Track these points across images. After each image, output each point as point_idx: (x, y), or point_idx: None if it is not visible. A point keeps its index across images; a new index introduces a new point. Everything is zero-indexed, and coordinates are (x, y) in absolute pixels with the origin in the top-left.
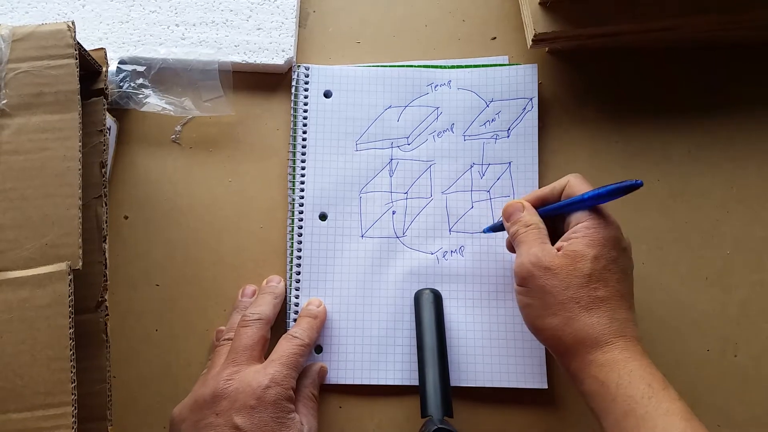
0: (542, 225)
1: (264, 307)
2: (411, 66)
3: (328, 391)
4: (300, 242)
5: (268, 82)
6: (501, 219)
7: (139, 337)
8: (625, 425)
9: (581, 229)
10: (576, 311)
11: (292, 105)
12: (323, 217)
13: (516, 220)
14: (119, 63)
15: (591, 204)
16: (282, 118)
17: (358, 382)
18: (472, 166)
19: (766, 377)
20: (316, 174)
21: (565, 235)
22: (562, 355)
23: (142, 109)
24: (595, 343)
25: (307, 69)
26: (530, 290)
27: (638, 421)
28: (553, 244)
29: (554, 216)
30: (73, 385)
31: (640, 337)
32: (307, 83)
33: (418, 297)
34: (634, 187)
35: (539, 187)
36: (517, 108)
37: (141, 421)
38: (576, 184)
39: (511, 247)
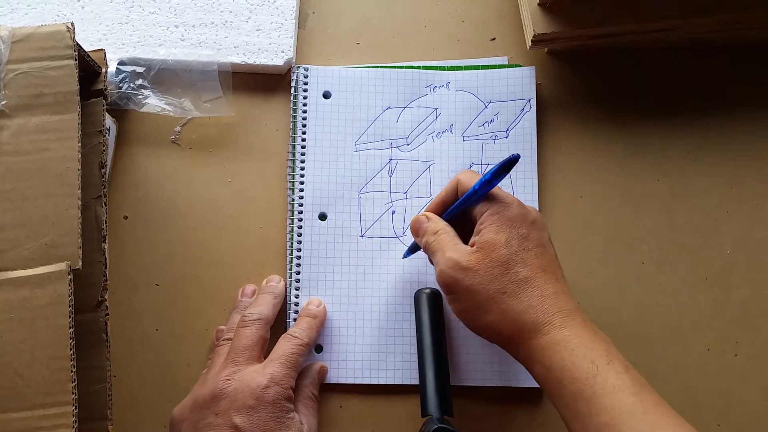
0: (449, 228)
1: (263, 307)
2: (410, 67)
3: (329, 390)
4: (300, 242)
5: (268, 83)
6: (412, 243)
7: (139, 336)
8: (576, 409)
9: (485, 218)
10: (506, 301)
11: (291, 106)
12: (323, 217)
13: (423, 232)
14: (119, 64)
15: (484, 191)
16: (281, 118)
17: (358, 381)
18: (471, 166)
19: (766, 377)
20: (316, 174)
21: (475, 229)
22: (508, 348)
23: (141, 110)
24: (533, 328)
25: (306, 70)
26: (458, 295)
27: (587, 402)
28: (467, 243)
29: (459, 217)
30: (74, 384)
31: (577, 307)
32: (306, 84)
33: (418, 297)
34: (513, 161)
35: (538, 187)
36: (515, 109)
37: (141, 420)
38: (466, 179)
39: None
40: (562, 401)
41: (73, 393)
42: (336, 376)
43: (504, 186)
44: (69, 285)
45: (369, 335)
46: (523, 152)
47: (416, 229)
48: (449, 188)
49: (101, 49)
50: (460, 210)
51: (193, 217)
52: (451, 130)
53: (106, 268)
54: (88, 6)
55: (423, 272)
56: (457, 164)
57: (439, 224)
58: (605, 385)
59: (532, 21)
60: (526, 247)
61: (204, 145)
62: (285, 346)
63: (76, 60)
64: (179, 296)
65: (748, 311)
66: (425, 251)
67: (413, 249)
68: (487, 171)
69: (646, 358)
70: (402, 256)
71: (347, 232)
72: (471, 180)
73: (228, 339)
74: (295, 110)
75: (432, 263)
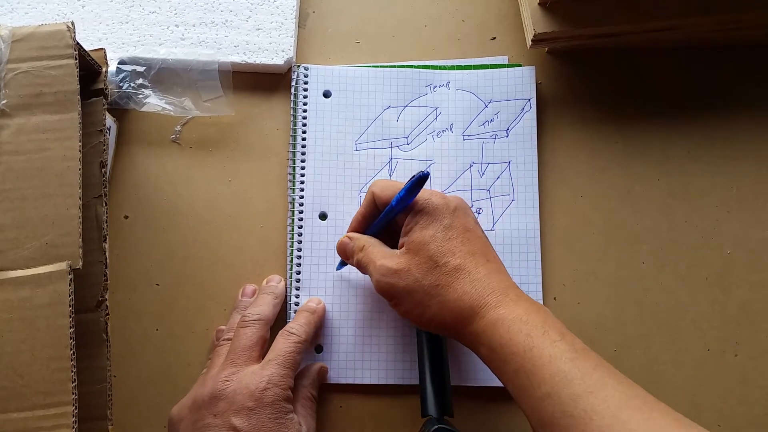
0: (374, 240)
1: (264, 307)
2: (410, 67)
3: (328, 390)
4: (300, 242)
5: (268, 83)
6: (340, 261)
7: (139, 336)
8: (519, 383)
9: (409, 219)
10: (442, 293)
11: (291, 105)
12: (323, 216)
13: (351, 252)
14: (119, 63)
15: (402, 207)
16: (282, 118)
17: (358, 381)
18: (471, 166)
19: (766, 377)
20: (316, 174)
21: (401, 232)
22: (455, 336)
23: (141, 109)
24: (471, 313)
25: (306, 69)
26: (399, 299)
27: (528, 376)
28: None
29: (386, 229)
30: (74, 384)
31: (510, 284)
32: (306, 83)
33: None
34: (423, 178)
35: (538, 187)
36: (515, 108)
37: (141, 420)
38: (381, 192)
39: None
40: (507, 378)
41: (73, 393)
42: (336, 377)
43: (504, 186)
44: (69, 285)
45: (369, 335)
46: (523, 152)
47: (343, 252)
48: (366, 202)
49: (101, 49)
50: (382, 225)
51: (193, 217)
52: (451, 130)
53: (106, 267)
54: (89, 5)
55: None
56: (457, 163)
57: (362, 239)
58: (542, 356)
59: (532, 20)
60: (451, 237)
61: (204, 145)
62: (283, 344)
63: (76, 59)
64: (179, 296)
65: (748, 311)
66: (359, 269)
67: (344, 262)
68: (400, 185)
69: (646, 358)
70: (336, 269)
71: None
72: (385, 190)
73: (228, 339)
74: (295, 110)
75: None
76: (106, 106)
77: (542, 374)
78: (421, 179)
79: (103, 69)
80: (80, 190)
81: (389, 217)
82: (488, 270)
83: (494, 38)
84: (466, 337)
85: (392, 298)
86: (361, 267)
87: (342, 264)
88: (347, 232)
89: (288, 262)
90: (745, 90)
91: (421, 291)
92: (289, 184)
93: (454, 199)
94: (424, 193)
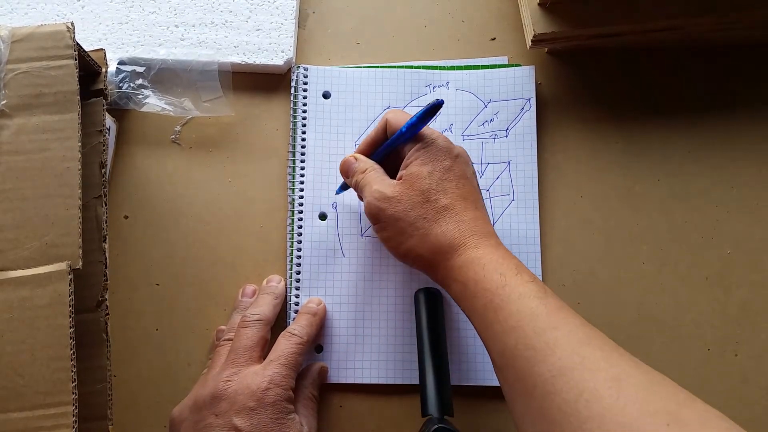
0: (377, 166)
1: (264, 307)
2: (410, 67)
3: (329, 390)
4: (300, 242)
5: (268, 83)
6: (341, 183)
7: (139, 336)
8: (486, 317)
9: (412, 153)
10: (426, 226)
11: (291, 105)
12: (323, 216)
13: (353, 172)
14: (119, 64)
15: (411, 134)
16: (281, 118)
17: (358, 381)
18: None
19: (766, 377)
20: (316, 174)
21: (402, 164)
22: (428, 271)
23: (141, 110)
24: (450, 249)
25: (306, 70)
26: (384, 224)
27: (496, 310)
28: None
29: (390, 156)
30: (74, 384)
31: (492, 231)
32: (306, 84)
33: (418, 296)
34: (437, 106)
35: (538, 187)
36: (515, 108)
37: (141, 420)
38: (394, 119)
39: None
40: (475, 313)
41: (73, 393)
42: (336, 376)
43: (504, 186)
44: (69, 285)
45: (369, 335)
46: (523, 152)
47: (345, 170)
48: (378, 128)
49: (101, 49)
50: (389, 150)
51: (193, 217)
52: (450, 130)
53: (106, 267)
54: (88, 6)
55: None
56: None
57: (368, 163)
58: (512, 293)
59: (532, 21)
60: (448, 178)
61: (204, 145)
62: (284, 345)
63: (76, 60)
64: (179, 296)
65: (748, 311)
66: (355, 189)
67: (344, 187)
68: (414, 114)
69: (646, 358)
70: (335, 192)
71: (347, 231)
72: (399, 120)
73: (228, 339)
74: (295, 110)
75: (361, 200)
76: (105, 107)
77: (510, 309)
78: (435, 107)
79: (103, 69)
80: (80, 191)
81: (397, 143)
82: (475, 215)
83: (494, 38)
84: (439, 272)
85: (377, 221)
86: (359, 188)
87: (342, 188)
88: (354, 152)
89: (288, 262)
90: (745, 90)
91: (407, 220)
92: (289, 185)
93: (458, 148)
94: (433, 133)
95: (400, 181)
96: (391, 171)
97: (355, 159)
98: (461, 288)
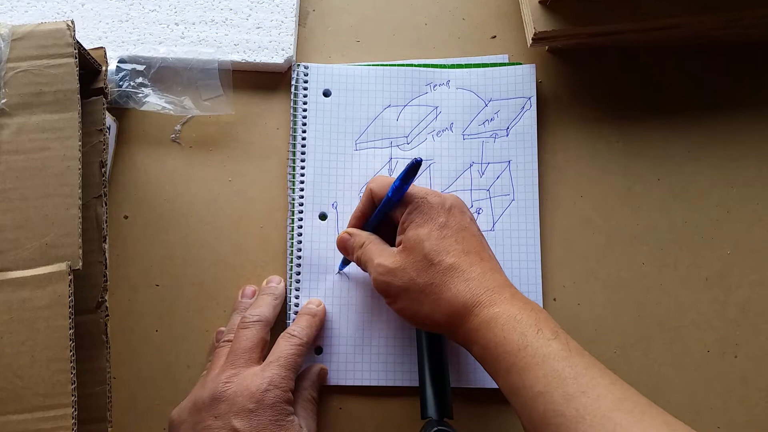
0: (373, 237)
1: (264, 308)
2: (410, 65)
3: (328, 392)
4: (300, 242)
5: (268, 81)
6: (342, 260)
7: (139, 337)
8: (511, 382)
9: (405, 217)
10: (437, 292)
11: (291, 104)
12: (323, 216)
13: (351, 249)
14: (119, 62)
15: (397, 197)
16: (282, 117)
17: (358, 383)
18: (471, 165)
19: (766, 377)
20: (316, 173)
21: (398, 230)
22: (449, 334)
23: (141, 108)
24: (465, 311)
25: (306, 68)
26: (395, 297)
27: (520, 374)
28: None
29: (383, 222)
30: (73, 386)
31: (505, 282)
32: (306, 82)
33: None
34: (416, 165)
35: (538, 186)
36: (515, 107)
37: (141, 422)
38: (378, 187)
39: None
40: (499, 376)
41: (72, 395)
42: (336, 378)
43: (504, 186)
44: (69, 285)
45: (369, 337)
46: (523, 151)
47: (343, 248)
48: (364, 199)
49: (101, 47)
50: (380, 218)
51: (193, 217)
52: (451, 129)
53: (106, 268)
54: (88, 4)
55: None
56: (457, 162)
57: (362, 236)
58: (536, 354)
59: (532, 19)
60: (446, 235)
61: (204, 144)
62: (284, 347)
63: (76, 58)
64: (179, 297)
65: (748, 311)
66: (358, 265)
67: (346, 262)
68: (395, 178)
69: (646, 358)
70: (337, 270)
71: None
72: (382, 187)
73: (228, 340)
74: (295, 108)
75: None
76: (105, 105)
77: (535, 373)
78: (414, 166)
79: (103, 68)
80: (80, 190)
81: (386, 209)
82: (482, 269)
83: (494, 37)
84: (459, 335)
85: (388, 296)
86: (361, 265)
87: (344, 263)
88: (347, 227)
89: (288, 263)
90: (745, 90)
91: (416, 289)
92: (289, 184)
93: (450, 198)
94: (420, 191)
95: (400, 248)
96: (388, 235)
97: (350, 235)
98: (482, 351)
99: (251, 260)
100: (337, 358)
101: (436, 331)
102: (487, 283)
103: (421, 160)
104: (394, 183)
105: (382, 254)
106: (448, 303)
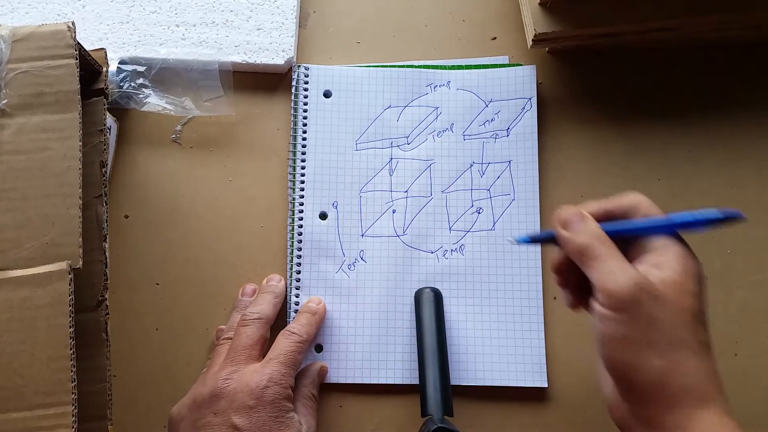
0: (612, 242)
1: (264, 306)
2: (410, 66)
3: (328, 390)
4: (300, 242)
5: (269, 82)
6: (543, 232)
7: (139, 336)
8: None
9: (674, 257)
10: (685, 354)
11: (292, 105)
12: (323, 216)
13: (579, 229)
14: (119, 63)
15: (677, 230)
16: (282, 118)
17: (358, 381)
18: (471, 165)
19: (766, 377)
20: (316, 173)
21: (647, 258)
22: (655, 405)
23: (142, 109)
24: (703, 397)
25: (306, 69)
26: (631, 320)
27: None
28: None
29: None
30: (73, 384)
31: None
32: (306, 83)
33: (418, 296)
34: (735, 219)
35: (539, 186)
36: (516, 108)
37: (141, 420)
38: (648, 206)
39: (562, 266)
40: None
41: (72, 393)
42: (336, 376)
43: (505, 186)
44: (69, 284)
45: (369, 335)
46: (523, 151)
47: (570, 222)
48: (622, 202)
49: (102, 49)
50: (634, 234)
51: (193, 217)
52: (451, 129)
53: (106, 267)
54: (89, 5)
55: (423, 271)
56: (457, 163)
57: (602, 231)
58: None
59: (532, 20)
60: (706, 313)
61: (205, 145)
62: (284, 344)
63: (76, 59)
64: (179, 296)
65: (748, 311)
66: (575, 251)
67: (537, 240)
68: (690, 212)
69: None
70: (516, 240)
71: (347, 231)
72: (652, 209)
73: (228, 338)
74: (295, 109)
75: (556, 271)
76: (106, 106)
77: None
78: (733, 218)
79: (104, 69)
80: (80, 190)
81: (652, 231)
82: (717, 370)
83: (495, 38)
84: (670, 415)
85: (624, 311)
86: (585, 253)
87: (531, 240)
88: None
89: (288, 262)
90: (745, 90)
91: (666, 334)
92: (290, 184)
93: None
94: (687, 245)
95: (667, 281)
96: None
97: (584, 216)
98: None
99: (251, 259)
100: (337, 356)
101: (642, 391)
102: (722, 389)
103: (744, 217)
104: (692, 214)
105: (632, 267)
106: (692, 374)
